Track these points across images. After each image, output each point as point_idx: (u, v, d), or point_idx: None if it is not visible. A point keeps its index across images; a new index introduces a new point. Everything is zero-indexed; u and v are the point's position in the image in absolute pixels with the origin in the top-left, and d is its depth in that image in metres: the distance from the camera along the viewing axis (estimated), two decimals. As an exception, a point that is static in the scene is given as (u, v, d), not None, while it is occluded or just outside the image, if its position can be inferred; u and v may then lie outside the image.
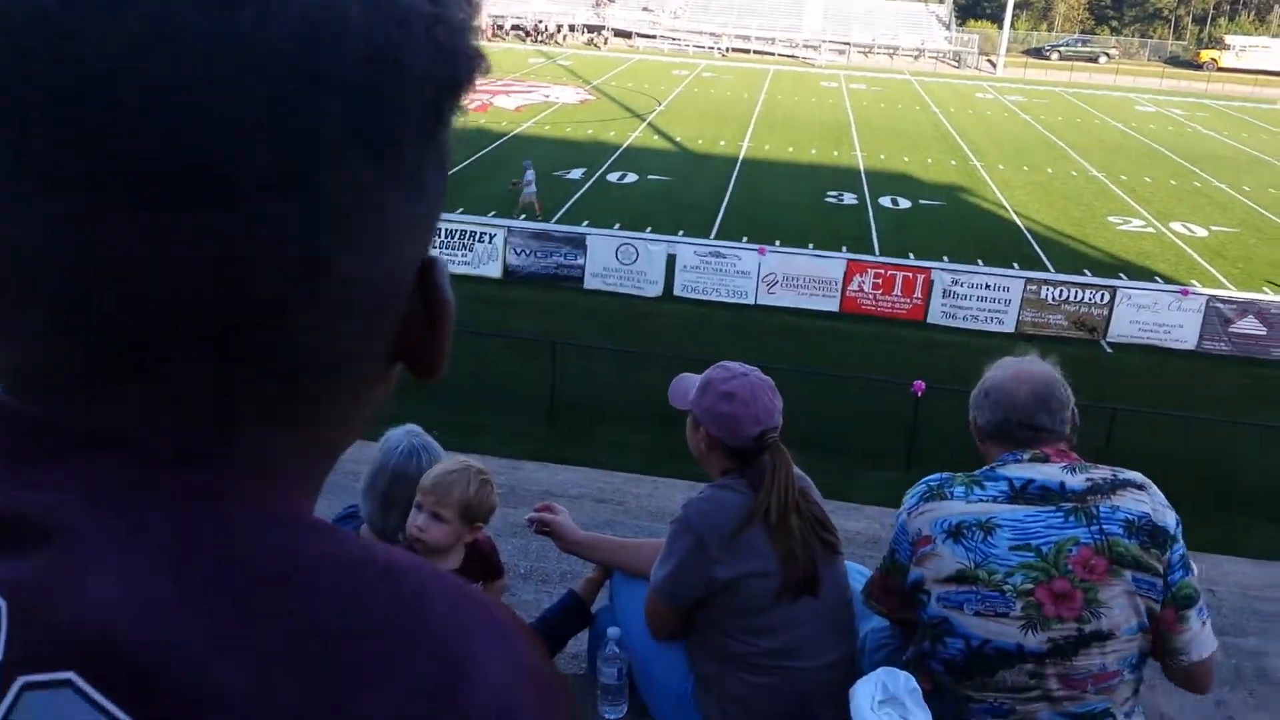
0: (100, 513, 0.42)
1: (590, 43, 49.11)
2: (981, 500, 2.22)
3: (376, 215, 0.44)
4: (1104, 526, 2.14)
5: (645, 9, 51.60)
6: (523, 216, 17.58)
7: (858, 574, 2.82)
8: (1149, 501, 2.19)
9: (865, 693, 2.23)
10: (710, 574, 2.38)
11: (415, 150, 0.46)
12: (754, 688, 2.42)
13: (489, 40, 46.05)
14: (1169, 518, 2.19)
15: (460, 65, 0.47)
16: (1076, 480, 2.20)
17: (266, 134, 0.40)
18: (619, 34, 50.26)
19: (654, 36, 50.22)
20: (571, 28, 49.97)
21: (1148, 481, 2.25)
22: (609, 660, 2.68)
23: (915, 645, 2.41)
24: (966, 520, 2.20)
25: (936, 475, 2.35)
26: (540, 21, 49.34)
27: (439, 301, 0.50)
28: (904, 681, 2.24)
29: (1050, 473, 2.22)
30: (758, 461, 2.44)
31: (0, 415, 0.45)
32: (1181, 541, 2.19)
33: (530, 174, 18.11)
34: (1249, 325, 13.94)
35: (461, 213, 17.28)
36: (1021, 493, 2.21)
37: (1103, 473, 2.23)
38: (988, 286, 14.71)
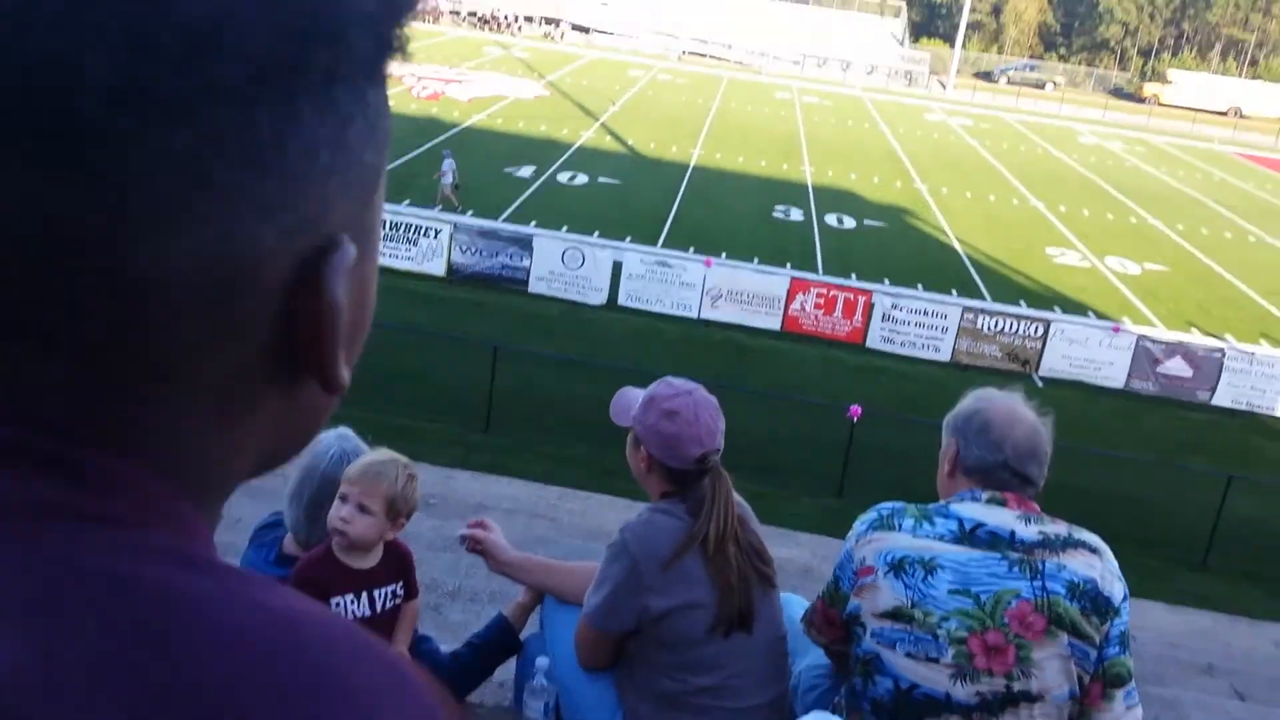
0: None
1: (547, 36, 48.84)
2: (928, 538, 2.17)
3: (194, 187, 0.37)
4: (1047, 584, 2.10)
5: (604, 2, 51.44)
6: (439, 208, 17.35)
7: (796, 606, 2.78)
8: (1099, 568, 2.14)
9: (800, 734, 2.21)
10: (644, 603, 2.33)
11: (265, 111, 0.38)
12: None
13: (434, 24, 45.49)
14: (1116, 589, 2.14)
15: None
16: (1029, 531, 2.15)
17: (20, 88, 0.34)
18: (577, 28, 50.06)
19: (612, 33, 50.09)
20: (529, 18, 49.65)
21: (1103, 546, 2.20)
22: (535, 693, 2.61)
23: (848, 682, 2.36)
24: (910, 556, 2.15)
25: (889, 504, 2.30)
26: (497, 9, 48.92)
27: (322, 302, 0.41)
28: (838, 725, 2.22)
29: (1003, 519, 2.17)
30: (698, 485, 2.40)
31: None
32: (1125, 617, 2.15)
33: (447, 164, 17.79)
34: (1176, 366, 14.31)
35: (408, 204, 17.08)
36: (970, 535, 2.16)
37: (1058, 528, 2.18)
38: (926, 313, 14.89)
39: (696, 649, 2.36)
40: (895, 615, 2.15)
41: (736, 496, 2.44)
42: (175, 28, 0.35)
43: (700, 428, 2.38)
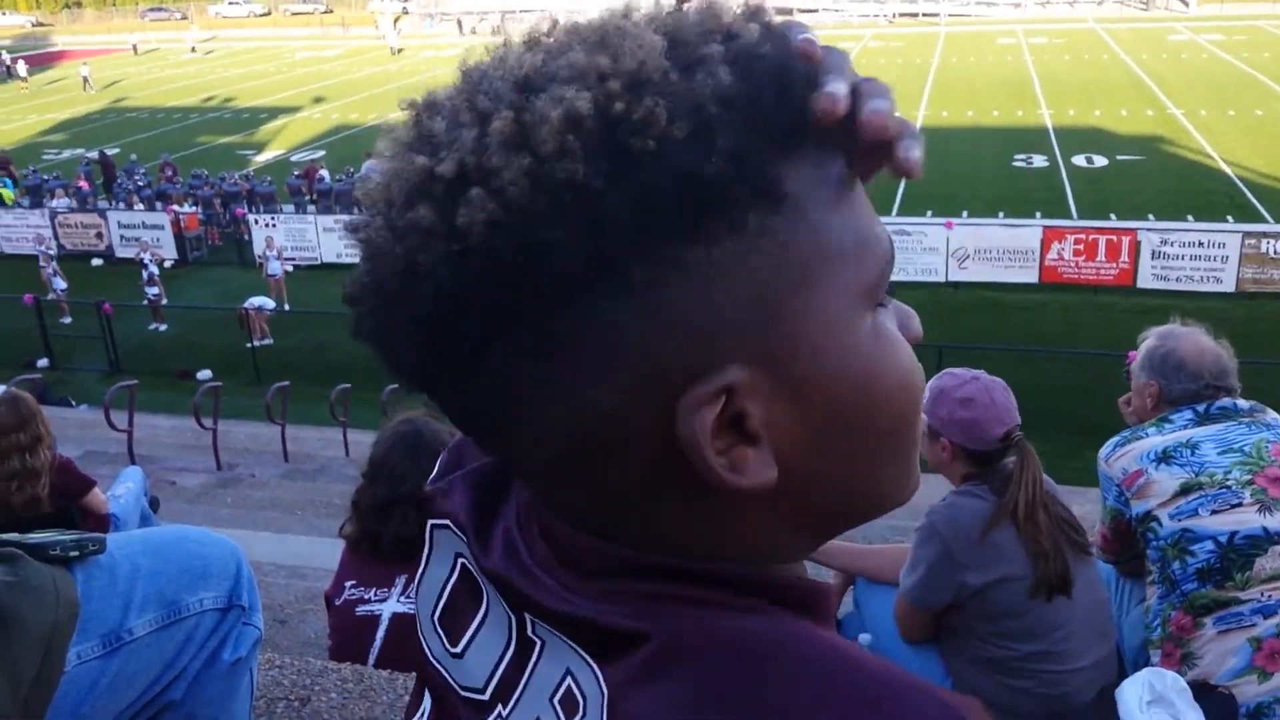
0: (647, 622, 0.51)
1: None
2: (1175, 430, 2.41)
3: (538, 370, 0.48)
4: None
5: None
6: None
7: (1108, 569, 2.80)
8: None
9: (1133, 693, 2.21)
10: (960, 580, 2.40)
11: (564, 312, 0.46)
12: (1014, 691, 2.42)
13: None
14: None
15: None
16: (1244, 403, 2.47)
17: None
18: (780, 13, 49.39)
19: (816, 10, 49.34)
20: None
21: None
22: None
23: (1158, 592, 2.41)
24: (1170, 445, 2.38)
25: (1122, 432, 2.55)
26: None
27: (678, 434, 0.48)
28: (1171, 681, 2.22)
29: (1223, 403, 2.47)
30: (1001, 464, 2.46)
31: (563, 541, 0.55)
32: None
33: None
34: None
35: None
36: (1206, 416, 2.44)
37: (1251, 403, 2.50)
38: (1201, 244, 13.82)
39: (1019, 618, 2.39)
40: (1185, 490, 2.34)
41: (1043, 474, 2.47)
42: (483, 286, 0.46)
43: (998, 408, 2.43)
